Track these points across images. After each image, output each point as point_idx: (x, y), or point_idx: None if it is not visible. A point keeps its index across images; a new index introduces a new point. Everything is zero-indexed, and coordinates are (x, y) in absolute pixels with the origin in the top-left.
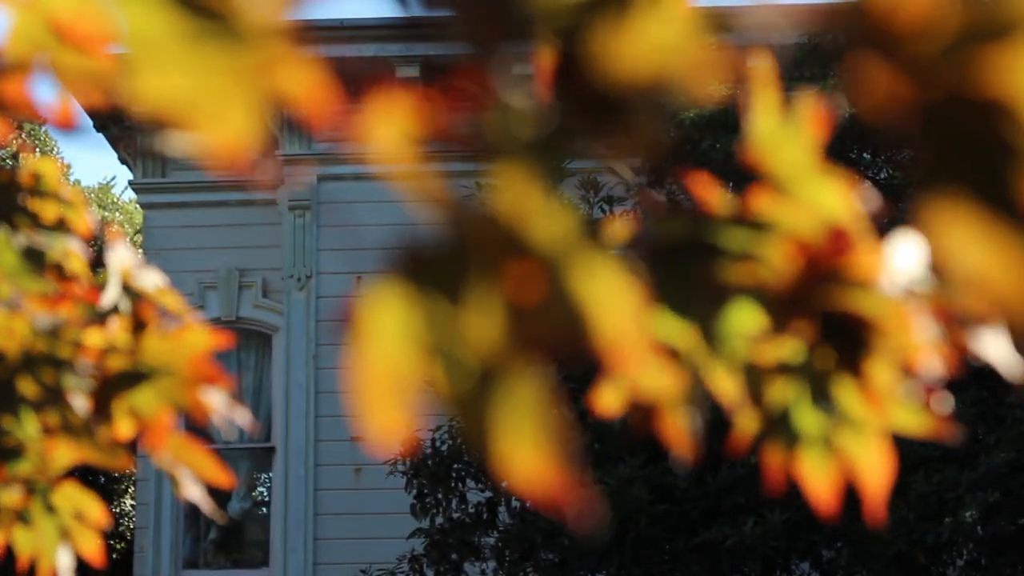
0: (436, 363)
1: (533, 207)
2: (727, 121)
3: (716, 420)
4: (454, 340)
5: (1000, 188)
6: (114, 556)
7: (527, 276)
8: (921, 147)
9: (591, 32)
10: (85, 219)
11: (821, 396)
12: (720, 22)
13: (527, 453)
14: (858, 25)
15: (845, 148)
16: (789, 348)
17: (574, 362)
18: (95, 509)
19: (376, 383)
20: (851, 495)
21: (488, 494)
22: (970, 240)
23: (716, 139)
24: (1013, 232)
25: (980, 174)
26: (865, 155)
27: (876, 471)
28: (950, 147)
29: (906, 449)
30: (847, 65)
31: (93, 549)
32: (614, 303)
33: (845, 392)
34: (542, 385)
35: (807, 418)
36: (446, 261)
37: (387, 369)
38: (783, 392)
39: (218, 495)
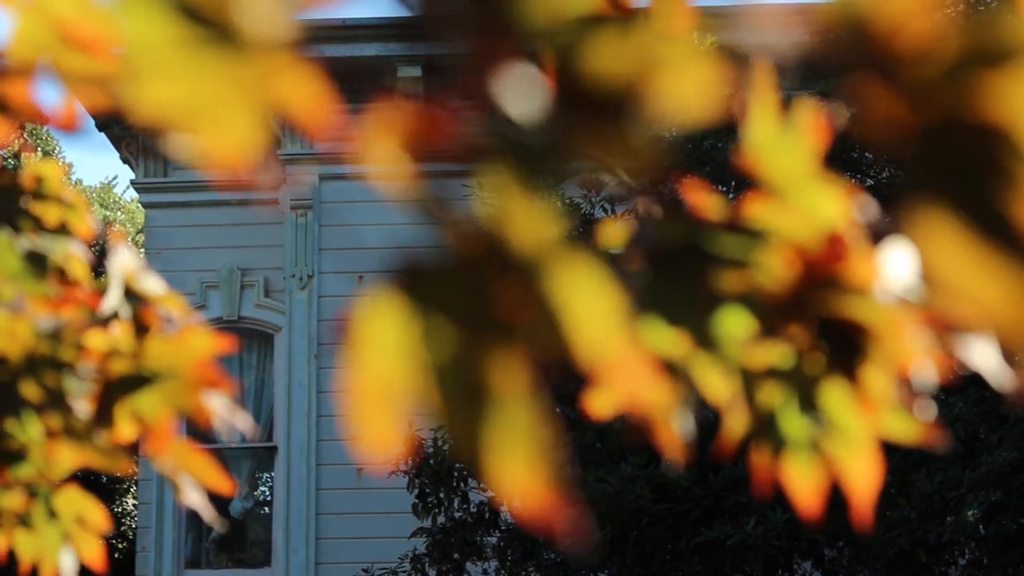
0: (429, 378)
1: (527, 222)
2: (725, 125)
3: (716, 420)
4: (448, 356)
5: (996, 213)
6: (116, 556)
7: (521, 293)
8: (917, 170)
9: (588, 43)
10: (87, 222)
11: (812, 402)
12: (720, 25)
13: (516, 471)
14: (858, 47)
15: (846, 148)
16: (781, 354)
17: (565, 377)
18: (96, 514)
19: (370, 396)
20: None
21: (490, 493)
22: (964, 264)
23: (714, 143)
24: (1007, 256)
25: (976, 198)
26: (867, 155)
27: (865, 477)
28: (946, 170)
29: (908, 448)
30: (846, 86)
31: (94, 554)
32: (605, 320)
33: (837, 398)
34: (534, 403)
35: (796, 423)
36: (443, 276)
37: (381, 383)
38: (773, 397)
39: (219, 496)
